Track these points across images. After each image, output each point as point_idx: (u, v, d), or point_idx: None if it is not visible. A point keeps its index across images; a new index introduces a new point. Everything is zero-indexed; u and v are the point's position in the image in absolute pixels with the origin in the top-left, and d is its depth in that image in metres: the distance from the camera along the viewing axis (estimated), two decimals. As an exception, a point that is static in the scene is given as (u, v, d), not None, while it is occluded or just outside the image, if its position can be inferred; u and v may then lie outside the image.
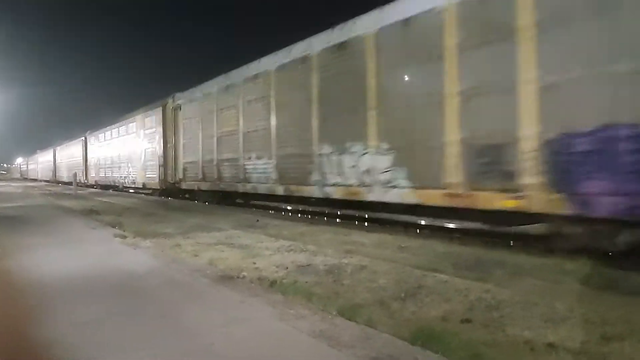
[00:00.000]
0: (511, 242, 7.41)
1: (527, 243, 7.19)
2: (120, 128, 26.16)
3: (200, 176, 16.12)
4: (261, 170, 12.11)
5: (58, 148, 46.60)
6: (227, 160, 14.11)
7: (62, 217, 11.96)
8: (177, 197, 19.03)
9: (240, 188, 13.32)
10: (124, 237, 8.13)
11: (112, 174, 28.05)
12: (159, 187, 20.22)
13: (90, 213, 12.62)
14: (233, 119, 13.67)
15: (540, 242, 6.86)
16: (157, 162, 19.89)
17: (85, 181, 34.91)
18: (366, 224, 10.37)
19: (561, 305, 3.85)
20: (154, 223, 10.25)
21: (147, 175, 21.47)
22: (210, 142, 15.24)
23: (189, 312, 3.91)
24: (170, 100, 18.80)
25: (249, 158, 12.74)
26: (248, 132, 12.86)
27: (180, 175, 17.96)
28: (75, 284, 4.92)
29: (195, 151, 16.41)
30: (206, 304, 4.14)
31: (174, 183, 18.52)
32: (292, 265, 5.61)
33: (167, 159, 19.02)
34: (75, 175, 25.03)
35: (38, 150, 63.25)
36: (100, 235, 8.55)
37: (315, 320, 3.63)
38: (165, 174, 19.33)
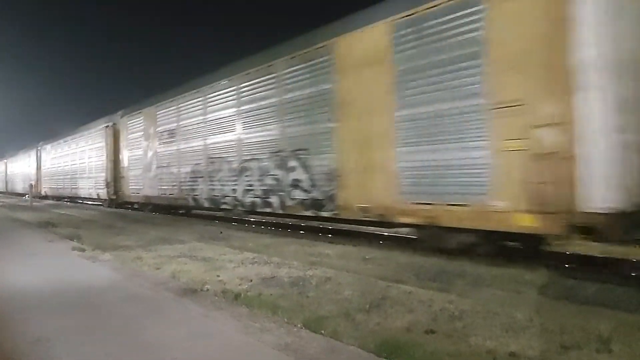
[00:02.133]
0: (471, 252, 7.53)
1: (487, 254, 7.33)
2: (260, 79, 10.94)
3: None
4: None
5: (48, 147, 31.52)
6: None
7: (17, 230, 11.52)
8: None
9: None
10: (83, 250, 7.90)
11: (215, 183, 12.52)
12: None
13: (47, 225, 12.20)
14: None
15: (500, 253, 7.02)
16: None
17: (111, 196, 20.08)
18: (330, 235, 10.38)
19: (521, 314, 3.95)
20: (113, 235, 9.99)
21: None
22: None
23: (151, 326, 3.82)
24: None
25: None
26: None
27: None
28: (31, 299, 4.75)
29: None
30: (169, 318, 4.06)
31: None
32: (256, 277, 5.57)
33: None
34: (31, 186, 24.22)
35: (6, 155, 46.49)
36: (58, 248, 8.27)
37: (280, 333, 3.61)
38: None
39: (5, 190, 44.55)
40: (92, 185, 22.40)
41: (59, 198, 29.11)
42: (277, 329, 3.71)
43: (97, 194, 21.76)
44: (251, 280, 5.41)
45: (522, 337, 3.43)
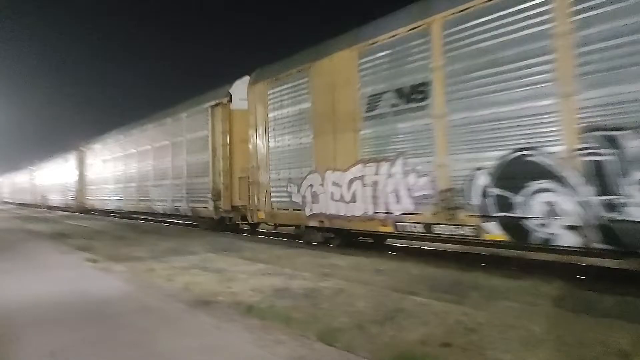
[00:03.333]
0: (485, 264, 7.47)
1: (500, 265, 7.26)
2: None
3: None
4: None
5: (97, 146, 24.48)
6: None
7: (30, 241, 11.60)
8: None
9: None
10: (95, 261, 7.93)
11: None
12: None
13: (60, 237, 12.28)
14: None
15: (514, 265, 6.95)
16: None
17: (222, 213, 13.16)
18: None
19: (538, 327, 3.88)
20: (126, 247, 10.02)
21: None
22: None
23: (163, 338, 3.81)
24: None
25: None
26: None
27: None
28: (44, 311, 4.75)
29: None
30: (181, 329, 4.04)
31: None
32: (269, 289, 5.54)
33: None
34: (43, 197, 24.12)
35: (36, 161, 37.97)
36: (71, 259, 8.31)
37: (294, 345, 3.58)
38: None
39: (35, 203, 36.68)
40: (181, 196, 15.28)
41: (111, 213, 22.80)
42: (291, 341, 3.67)
43: (191, 209, 14.74)
44: (263, 292, 5.39)
45: (540, 351, 3.37)
